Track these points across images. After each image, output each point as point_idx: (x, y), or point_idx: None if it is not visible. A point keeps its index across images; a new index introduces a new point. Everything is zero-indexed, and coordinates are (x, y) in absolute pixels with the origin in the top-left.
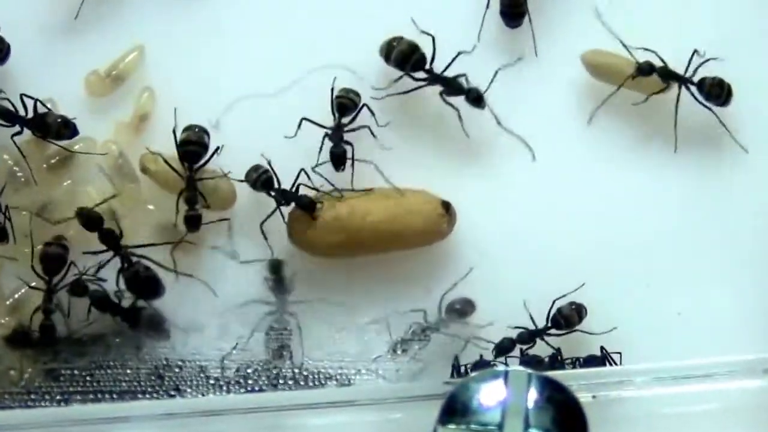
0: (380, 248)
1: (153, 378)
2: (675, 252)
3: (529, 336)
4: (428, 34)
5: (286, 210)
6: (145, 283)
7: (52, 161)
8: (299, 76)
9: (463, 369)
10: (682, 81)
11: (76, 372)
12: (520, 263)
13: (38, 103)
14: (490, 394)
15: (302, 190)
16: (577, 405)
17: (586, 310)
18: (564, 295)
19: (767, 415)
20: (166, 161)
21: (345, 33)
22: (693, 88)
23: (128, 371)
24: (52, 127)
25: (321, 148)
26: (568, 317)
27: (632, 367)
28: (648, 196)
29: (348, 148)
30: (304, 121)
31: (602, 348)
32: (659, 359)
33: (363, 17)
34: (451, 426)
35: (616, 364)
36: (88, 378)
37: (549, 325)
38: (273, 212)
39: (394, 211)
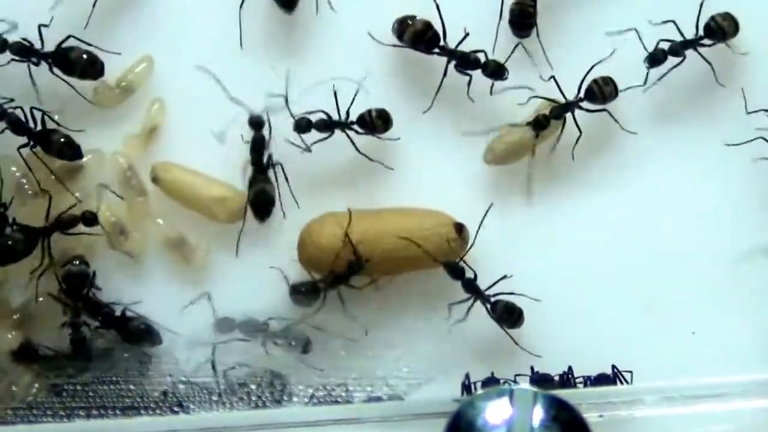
0: (390, 271)
1: (157, 394)
2: (690, 270)
3: None
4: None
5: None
6: (144, 334)
7: (62, 173)
8: (303, 89)
9: (472, 387)
10: (572, 106)
11: (79, 387)
12: (530, 280)
13: (46, 117)
14: (495, 413)
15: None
16: (583, 424)
17: None
18: None
19: None
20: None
21: (346, 47)
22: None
23: (132, 387)
24: (55, 145)
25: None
26: None
27: (642, 386)
28: (662, 213)
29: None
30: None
31: (613, 366)
32: (671, 378)
33: (363, 32)
34: None
35: (627, 382)
36: (91, 393)
37: None
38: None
39: (406, 235)
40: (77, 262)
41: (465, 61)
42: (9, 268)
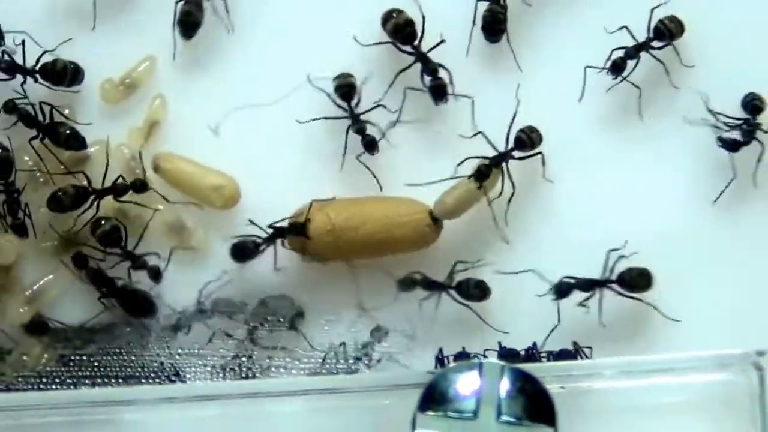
0: (371, 255)
1: (155, 365)
2: (647, 256)
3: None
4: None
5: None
6: (142, 303)
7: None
8: (293, 87)
9: (445, 360)
10: (507, 156)
11: (84, 358)
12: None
13: (56, 111)
14: (466, 384)
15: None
16: (546, 395)
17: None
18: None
19: (725, 406)
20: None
21: (336, 47)
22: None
23: (133, 358)
24: (61, 137)
25: (346, 138)
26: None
27: (601, 361)
28: (619, 200)
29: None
30: (301, 126)
31: (574, 343)
32: (626, 354)
33: (352, 33)
34: (429, 413)
35: (587, 357)
36: (96, 364)
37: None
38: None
39: (386, 222)
40: (104, 222)
41: (426, 67)
42: (23, 250)
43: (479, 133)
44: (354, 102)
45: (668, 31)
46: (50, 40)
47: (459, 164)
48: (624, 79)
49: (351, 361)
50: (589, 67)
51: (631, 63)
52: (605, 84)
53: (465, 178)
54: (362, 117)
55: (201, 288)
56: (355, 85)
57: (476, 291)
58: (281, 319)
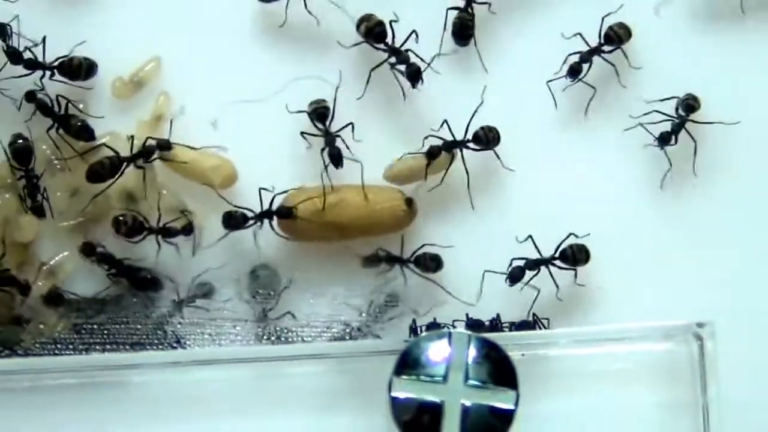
0: (352, 236)
1: (159, 332)
2: (599, 238)
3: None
4: (395, 20)
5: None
6: (149, 283)
7: (84, 152)
8: (283, 84)
9: (419, 330)
10: (461, 144)
11: (95, 326)
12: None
13: (71, 105)
14: (436, 352)
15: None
16: (509, 361)
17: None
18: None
19: (668, 372)
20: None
21: (326, 46)
22: (471, 144)
23: (138, 326)
24: (72, 127)
25: (323, 150)
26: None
27: (557, 331)
28: (575, 187)
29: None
30: (292, 120)
31: (534, 314)
32: (581, 325)
33: (340, 34)
34: (404, 377)
35: (545, 328)
36: (105, 331)
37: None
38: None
39: (365, 207)
40: (122, 218)
41: (398, 58)
42: (41, 229)
43: (444, 121)
44: (327, 123)
45: (617, 36)
46: (68, 43)
47: (425, 137)
48: (579, 80)
49: (335, 331)
50: (550, 81)
51: (585, 66)
52: (561, 84)
53: (419, 153)
54: (336, 134)
55: (197, 275)
56: (329, 109)
57: (432, 263)
58: (272, 293)
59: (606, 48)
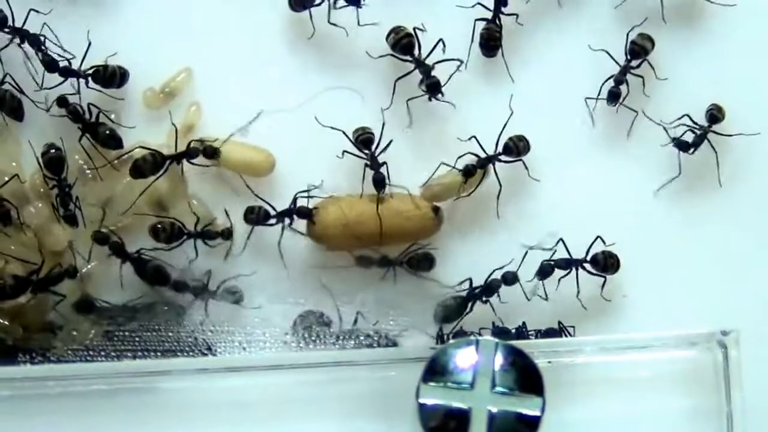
0: (380, 245)
1: (190, 339)
2: (628, 246)
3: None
4: (422, 29)
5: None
6: (155, 274)
7: (116, 161)
8: (312, 95)
9: (445, 337)
10: (494, 159)
11: (127, 333)
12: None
13: (102, 114)
14: (463, 359)
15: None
16: (535, 368)
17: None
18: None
19: (693, 380)
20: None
21: (351, 58)
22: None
23: (170, 334)
24: (100, 135)
25: (364, 175)
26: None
27: (583, 339)
28: (596, 194)
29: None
30: (320, 129)
31: (560, 322)
32: (606, 333)
33: (370, 45)
34: (432, 384)
35: (570, 335)
36: (137, 339)
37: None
38: (283, 229)
39: (393, 216)
40: (161, 226)
41: (421, 69)
42: (73, 237)
43: (473, 137)
44: (373, 147)
45: (642, 48)
46: (99, 56)
47: (459, 157)
48: (621, 103)
49: (362, 338)
50: (588, 98)
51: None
52: (585, 96)
53: (455, 170)
54: (382, 162)
55: (225, 279)
56: (374, 135)
57: (425, 263)
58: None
59: (634, 63)
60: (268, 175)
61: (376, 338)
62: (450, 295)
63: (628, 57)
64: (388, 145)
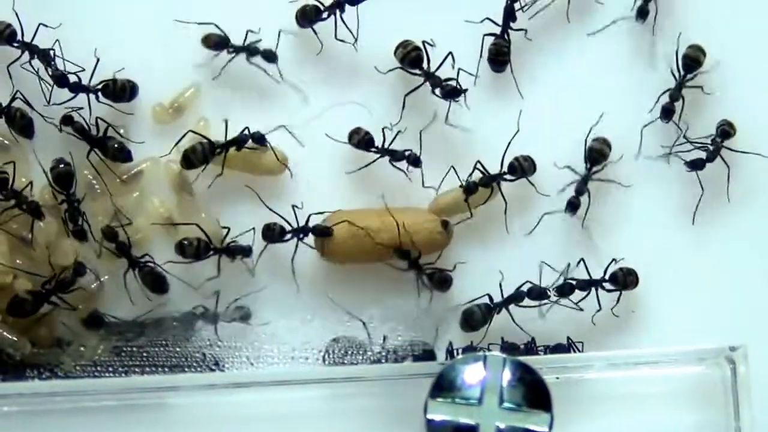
0: (390, 259)
1: (198, 355)
2: (637, 266)
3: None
4: (431, 44)
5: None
6: (154, 280)
7: (125, 176)
8: (321, 110)
9: (455, 352)
10: (497, 178)
11: (135, 349)
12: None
13: (112, 129)
14: (472, 374)
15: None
16: (543, 384)
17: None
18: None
19: (701, 395)
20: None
21: (360, 73)
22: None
23: (178, 349)
24: (109, 149)
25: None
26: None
27: (591, 354)
28: (612, 212)
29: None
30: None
31: (568, 338)
32: (614, 348)
33: (376, 60)
34: (440, 399)
35: (579, 351)
36: (145, 354)
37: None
38: (297, 246)
39: (403, 230)
40: (186, 242)
41: (434, 80)
42: (82, 253)
43: (477, 162)
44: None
45: (696, 60)
46: (108, 72)
47: (471, 172)
48: (671, 120)
49: (400, 353)
50: (645, 126)
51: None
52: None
53: (460, 187)
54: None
55: (235, 299)
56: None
57: (444, 285)
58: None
59: (688, 76)
60: (281, 173)
61: (402, 353)
62: (474, 304)
63: (682, 71)
64: (396, 137)
